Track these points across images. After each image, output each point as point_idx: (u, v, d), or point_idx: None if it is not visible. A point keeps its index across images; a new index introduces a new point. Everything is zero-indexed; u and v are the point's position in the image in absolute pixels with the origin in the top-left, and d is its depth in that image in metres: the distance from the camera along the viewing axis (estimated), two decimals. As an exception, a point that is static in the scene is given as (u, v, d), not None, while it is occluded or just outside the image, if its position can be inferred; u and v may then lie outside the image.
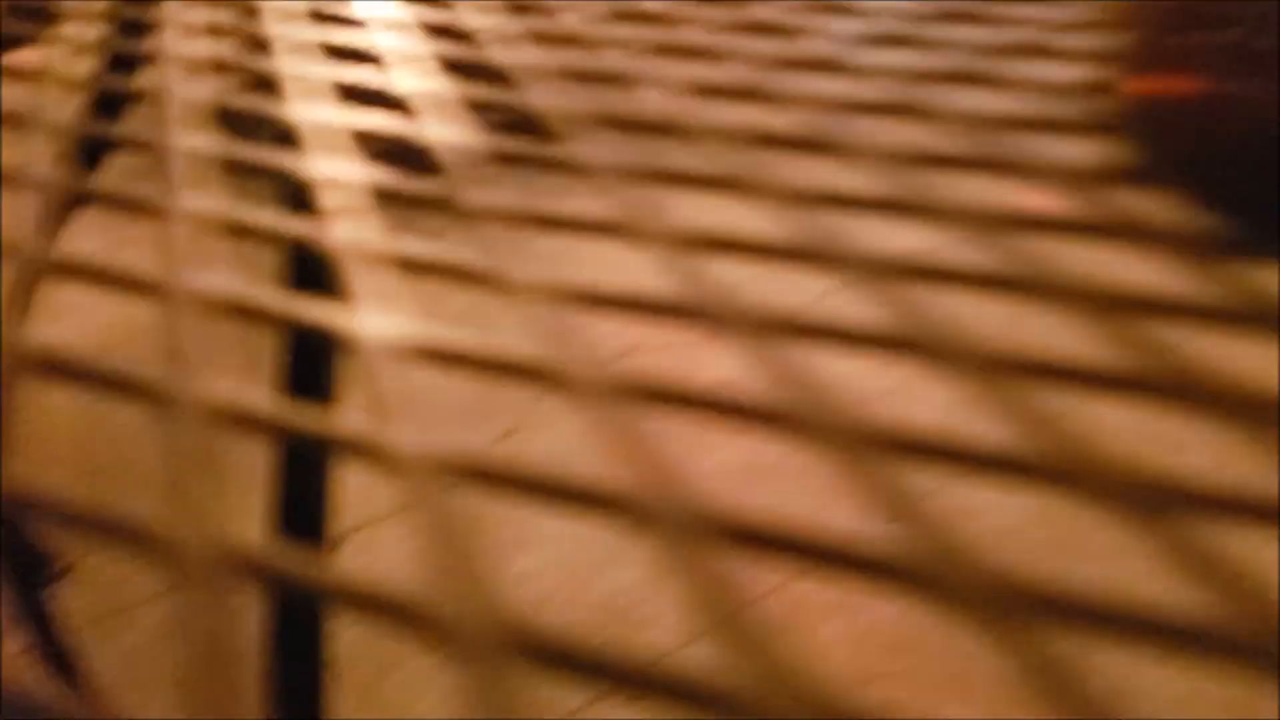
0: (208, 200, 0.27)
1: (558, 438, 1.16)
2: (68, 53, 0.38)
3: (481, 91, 0.33)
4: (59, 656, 0.80)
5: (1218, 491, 0.17)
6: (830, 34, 0.38)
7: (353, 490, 0.89)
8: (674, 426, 0.21)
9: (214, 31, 0.41)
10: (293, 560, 0.16)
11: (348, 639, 0.92)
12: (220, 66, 0.38)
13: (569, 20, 0.40)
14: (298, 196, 0.28)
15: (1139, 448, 1.12)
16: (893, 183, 0.28)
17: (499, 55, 0.37)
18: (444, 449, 0.19)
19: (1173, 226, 0.25)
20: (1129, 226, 0.25)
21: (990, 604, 0.15)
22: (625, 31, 0.39)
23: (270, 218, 0.26)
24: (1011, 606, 0.15)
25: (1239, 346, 0.22)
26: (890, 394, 1.14)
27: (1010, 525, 0.97)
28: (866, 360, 0.22)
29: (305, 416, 0.20)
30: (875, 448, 0.18)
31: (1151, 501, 0.17)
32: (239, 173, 0.30)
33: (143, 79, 0.36)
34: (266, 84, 0.35)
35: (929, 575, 0.16)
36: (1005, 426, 0.19)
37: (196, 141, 0.31)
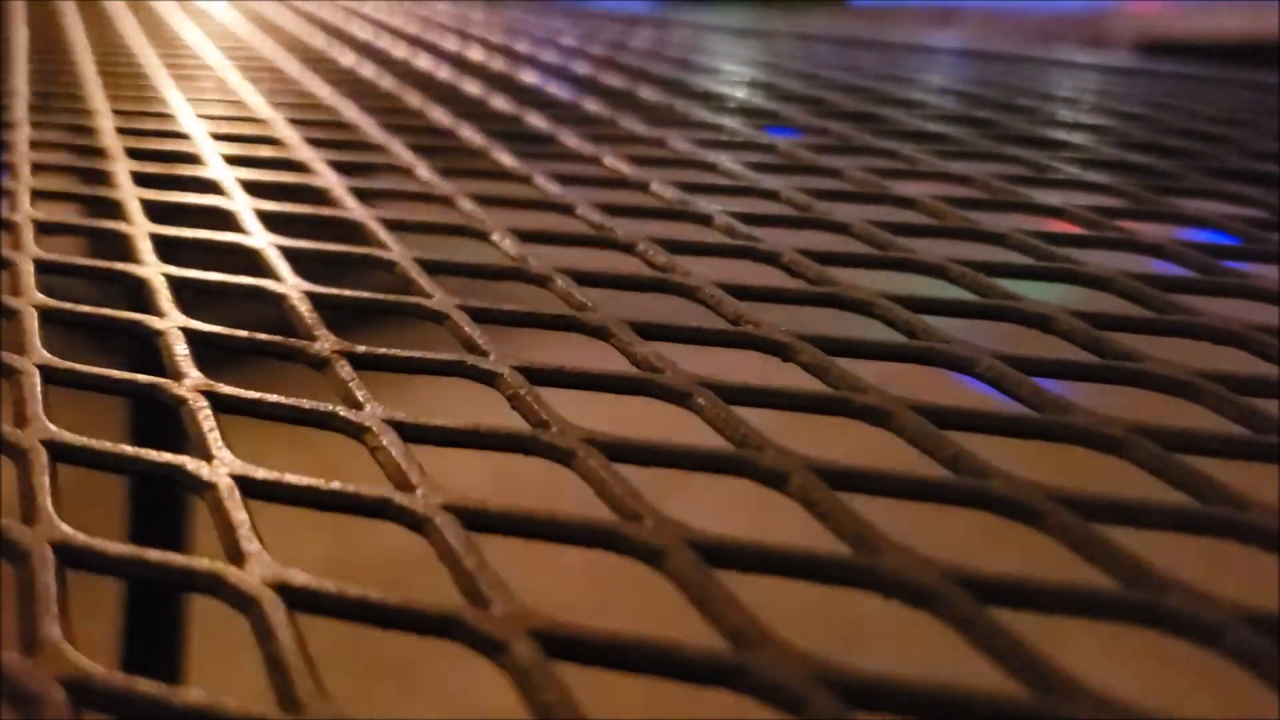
0: (57, 355, 0.28)
1: (395, 558, 1.13)
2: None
3: (334, 246, 0.35)
4: None
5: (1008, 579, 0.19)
6: (673, 184, 0.41)
7: (204, 624, 0.86)
8: (513, 549, 0.22)
9: (64, 196, 0.41)
10: (143, 691, 0.17)
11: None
12: (72, 229, 0.38)
13: (423, 175, 0.42)
14: (148, 351, 0.29)
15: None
16: (729, 317, 0.30)
17: (352, 211, 0.38)
18: (291, 581, 0.19)
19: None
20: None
21: (789, 690, 0.17)
22: (478, 187, 0.41)
23: (121, 372, 0.27)
24: (812, 691, 0.17)
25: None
26: (725, 510, 1.16)
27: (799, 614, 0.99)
28: (689, 474, 0.23)
29: (158, 557, 0.20)
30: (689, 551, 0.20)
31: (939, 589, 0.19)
32: (89, 329, 0.30)
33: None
34: (118, 243, 0.36)
35: (732, 666, 0.17)
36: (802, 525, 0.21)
37: (46, 301, 0.31)
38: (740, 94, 0.59)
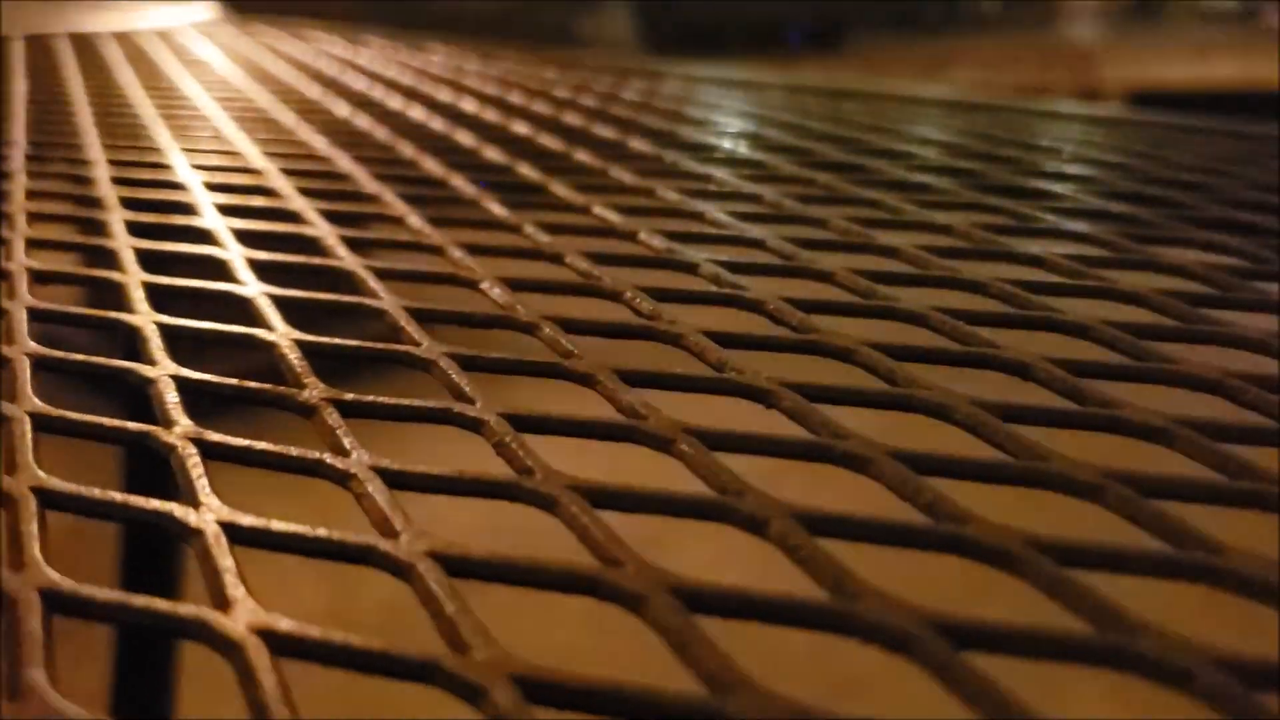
0: (49, 404, 0.28)
1: (385, 604, 1.13)
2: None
3: (325, 294, 0.35)
4: None
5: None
6: (660, 234, 0.42)
7: (193, 671, 0.85)
8: (497, 597, 0.22)
9: (60, 246, 0.42)
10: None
11: None
12: (66, 278, 0.39)
13: (414, 224, 0.43)
14: (139, 399, 0.29)
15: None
16: (711, 364, 0.30)
17: (344, 260, 0.39)
18: (276, 626, 0.19)
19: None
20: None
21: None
22: (468, 236, 0.42)
23: (112, 420, 0.27)
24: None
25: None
26: (725, 557, 1.15)
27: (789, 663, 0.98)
28: (681, 523, 0.23)
29: (144, 603, 0.20)
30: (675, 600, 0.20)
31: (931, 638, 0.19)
32: (81, 377, 0.31)
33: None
34: (111, 292, 0.36)
35: (711, 711, 0.17)
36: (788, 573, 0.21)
37: (38, 348, 0.31)
38: (728, 145, 0.60)
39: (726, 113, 0.75)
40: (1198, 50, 3.42)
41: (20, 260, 0.39)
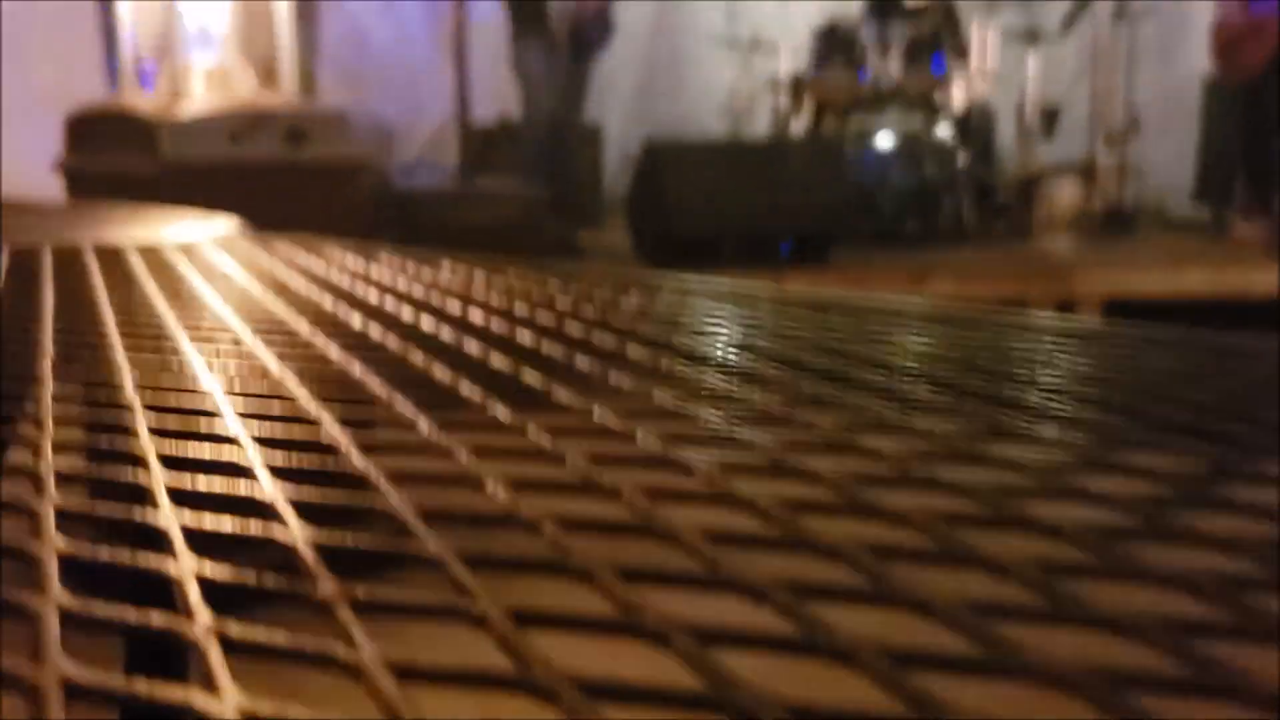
0: (72, 599, 0.29)
1: None
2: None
3: (339, 495, 0.37)
4: None
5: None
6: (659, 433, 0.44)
7: None
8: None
9: (85, 449, 0.44)
10: None
11: None
12: (86, 479, 0.41)
13: (424, 428, 0.45)
14: (159, 593, 0.31)
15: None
16: (705, 561, 0.32)
17: (357, 463, 0.41)
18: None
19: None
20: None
21: None
22: (475, 438, 0.44)
23: (137, 614, 0.29)
24: None
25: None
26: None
27: None
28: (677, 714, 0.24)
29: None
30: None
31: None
32: (101, 572, 0.32)
33: (6, 490, 0.38)
34: (135, 493, 0.38)
35: None
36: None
37: (62, 546, 0.33)
38: (721, 352, 0.63)
39: (719, 321, 0.79)
40: (1170, 261, 3.57)
41: (48, 460, 0.41)
